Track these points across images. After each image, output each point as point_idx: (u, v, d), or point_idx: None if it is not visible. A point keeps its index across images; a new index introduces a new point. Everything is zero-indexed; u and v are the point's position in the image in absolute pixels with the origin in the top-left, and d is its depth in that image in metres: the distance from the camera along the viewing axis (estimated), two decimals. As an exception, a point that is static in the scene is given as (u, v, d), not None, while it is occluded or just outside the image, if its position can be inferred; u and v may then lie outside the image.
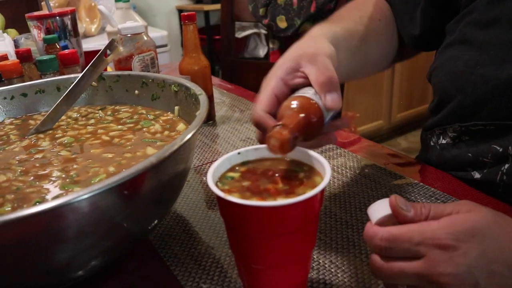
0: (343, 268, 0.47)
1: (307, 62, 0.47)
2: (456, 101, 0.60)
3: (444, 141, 0.65)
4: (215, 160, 0.41)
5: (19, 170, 0.52)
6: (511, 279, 0.36)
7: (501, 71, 0.54)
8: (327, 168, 0.38)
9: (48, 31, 1.07)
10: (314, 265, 0.48)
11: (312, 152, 0.41)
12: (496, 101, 0.55)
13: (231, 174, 0.41)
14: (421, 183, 0.61)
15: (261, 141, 0.47)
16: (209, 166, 0.40)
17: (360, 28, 0.65)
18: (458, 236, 0.36)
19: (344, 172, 0.66)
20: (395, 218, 0.39)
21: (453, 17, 0.63)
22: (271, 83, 0.48)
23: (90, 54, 1.05)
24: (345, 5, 0.72)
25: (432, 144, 0.68)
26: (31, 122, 0.69)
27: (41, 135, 0.63)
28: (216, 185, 0.39)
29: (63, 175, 0.50)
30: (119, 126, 0.63)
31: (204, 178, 0.67)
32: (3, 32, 1.34)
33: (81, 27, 2.12)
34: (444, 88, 0.63)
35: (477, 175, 0.60)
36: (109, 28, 1.80)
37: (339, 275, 0.46)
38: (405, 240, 0.37)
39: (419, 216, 0.38)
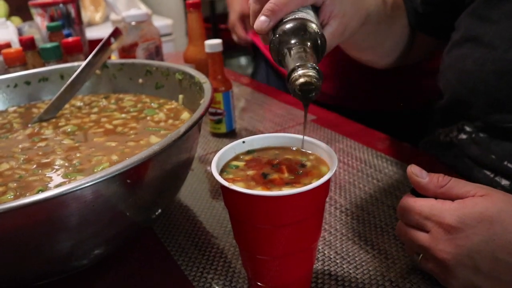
0: (349, 259, 0.47)
1: (339, 10, 0.46)
2: (468, 101, 0.57)
3: (463, 137, 0.61)
4: (219, 149, 0.41)
5: (22, 158, 0.51)
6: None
7: None
8: (334, 158, 0.37)
9: (51, 19, 1.06)
10: (319, 256, 0.47)
11: (319, 142, 0.41)
12: None
13: (235, 163, 0.41)
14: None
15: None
16: (214, 156, 0.39)
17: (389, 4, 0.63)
18: (464, 219, 0.37)
19: (350, 162, 0.66)
20: (413, 185, 0.43)
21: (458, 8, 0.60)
22: None
23: (94, 43, 1.04)
24: None
25: (447, 140, 0.65)
26: (34, 110, 0.68)
27: (44, 124, 0.62)
28: (220, 174, 0.38)
29: (66, 164, 0.49)
30: (123, 115, 0.63)
31: (208, 168, 0.67)
32: (7, 20, 1.33)
33: (85, 16, 2.11)
34: (454, 89, 0.60)
35: (504, 182, 0.56)
36: (113, 16, 1.79)
37: (344, 266, 0.46)
38: (415, 212, 0.41)
39: (434, 183, 0.41)
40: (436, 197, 0.41)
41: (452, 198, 0.40)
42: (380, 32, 0.63)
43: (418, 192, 0.42)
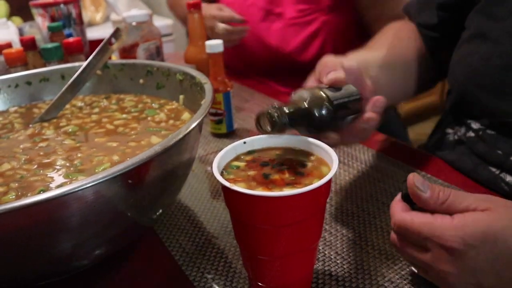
0: (349, 260, 0.47)
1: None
2: (475, 96, 0.58)
3: (471, 135, 0.62)
4: (220, 150, 0.41)
5: (23, 159, 0.51)
6: None
7: None
8: (334, 158, 0.38)
9: (52, 19, 1.06)
10: (319, 256, 0.47)
11: (319, 142, 0.41)
12: None
13: (236, 163, 0.41)
14: (430, 175, 0.61)
15: None
16: (214, 156, 0.39)
17: (400, 53, 0.67)
18: (467, 240, 0.36)
19: (351, 163, 0.66)
20: (412, 196, 0.40)
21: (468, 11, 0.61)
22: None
23: (94, 43, 1.04)
24: (380, 33, 0.74)
25: (456, 138, 0.65)
26: (35, 110, 0.68)
27: (45, 124, 0.63)
28: (221, 174, 0.38)
29: (67, 164, 0.49)
30: (124, 115, 0.63)
31: (209, 168, 0.67)
32: (8, 20, 1.33)
33: (86, 16, 2.11)
34: (461, 85, 0.61)
35: (509, 178, 0.56)
36: (114, 16, 1.79)
37: (345, 266, 0.46)
38: (414, 232, 0.38)
39: (435, 199, 0.39)
40: (435, 211, 0.39)
41: (452, 213, 0.38)
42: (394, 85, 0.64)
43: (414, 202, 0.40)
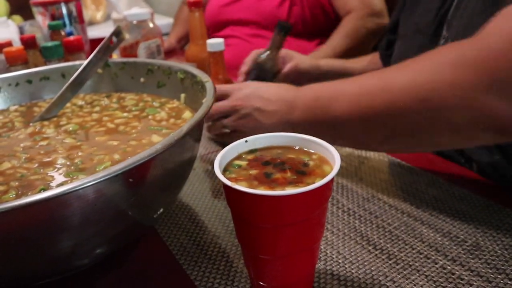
0: (351, 259, 0.46)
1: None
2: None
3: None
4: (221, 149, 0.40)
5: (23, 157, 0.51)
6: (269, 104, 0.62)
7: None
8: (337, 157, 0.37)
9: (53, 18, 1.06)
10: (321, 256, 0.47)
11: (322, 141, 0.40)
12: None
13: (238, 162, 0.40)
14: (429, 173, 0.60)
15: None
16: (215, 155, 0.39)
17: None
18: (239, 86, 0.67)
19: (351, 161, 0.65)
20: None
21: None
22: None
23: (95, 42, 1.04)
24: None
25: None
26: (36, 109, 0.68)
27: (46, 122, 0.62)
28: (223, 173, 0.38)
29: (68, 163, 0.49)
30: (125, 114, 0.63)
31: (211, 167, 0.67)
32: (8, 19, 1.33)
33: (87, 15, 2.10)
34: None
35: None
36: (115, 15, 1.79)
37: (346, 266, 0.46)
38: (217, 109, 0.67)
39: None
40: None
41: None
42: None
43: None
